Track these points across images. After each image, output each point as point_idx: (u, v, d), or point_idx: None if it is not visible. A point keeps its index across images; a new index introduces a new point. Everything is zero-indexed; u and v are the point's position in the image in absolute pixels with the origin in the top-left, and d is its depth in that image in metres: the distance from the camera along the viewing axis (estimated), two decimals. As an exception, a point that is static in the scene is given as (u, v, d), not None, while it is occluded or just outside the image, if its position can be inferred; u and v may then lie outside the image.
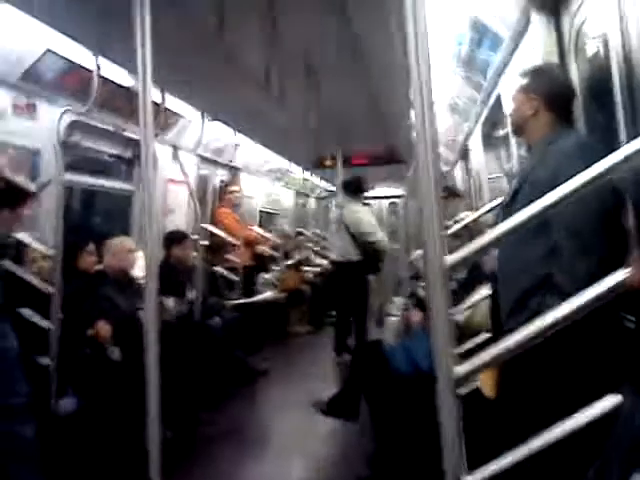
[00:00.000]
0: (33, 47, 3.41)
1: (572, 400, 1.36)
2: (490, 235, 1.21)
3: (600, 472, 0.98)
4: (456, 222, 3.47)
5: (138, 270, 4.02)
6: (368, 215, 5.70)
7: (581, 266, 1.78)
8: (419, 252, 4.62)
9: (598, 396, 1.19)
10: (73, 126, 4.02)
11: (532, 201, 1.27)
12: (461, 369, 1.11)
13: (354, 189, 5.85)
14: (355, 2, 3.12)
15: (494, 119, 4.40)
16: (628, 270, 1.01)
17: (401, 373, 2.96)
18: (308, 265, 8.51)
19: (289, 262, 7.77)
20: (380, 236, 5.51)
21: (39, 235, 3.64)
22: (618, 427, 0.98)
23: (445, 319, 1.09)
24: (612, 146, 1.98)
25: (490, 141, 4.97)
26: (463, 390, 1.13)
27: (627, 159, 1.14)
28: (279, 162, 8.20)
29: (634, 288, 0.92)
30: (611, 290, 1.08)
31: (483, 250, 1.25)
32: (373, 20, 3.36)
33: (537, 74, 2.22)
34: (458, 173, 7.31)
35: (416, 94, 1.21)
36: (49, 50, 3.46)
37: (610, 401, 1.10)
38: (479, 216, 2.88)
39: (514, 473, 1.14)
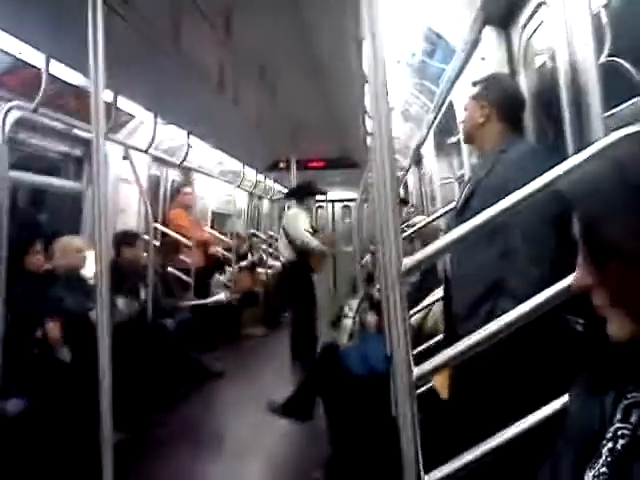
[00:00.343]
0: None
1: (522, 401, 1.40)
2: (446, 239, 1.24)
3: (552, 471, 1.01)
4: (408, 227, 3.53)
5: (88, 269, 3.94)
6: (304, 219, 5.87)
7: (534, 271, 1.81)
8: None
9: (548, 396, 1.23)
10: (19, 124, 3.92)
11: (484, 208, 1.30)
12: (419, 370, 1.14)
13: (301, 194, 6.00)
14: (310, 5, 3.14)
15: (446, 126, 4.49)
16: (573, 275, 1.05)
17: (356, 375, 2.98)
18: (261, 267, 8.50)
19: (242, 263, 7.72)
20: (308, 240, 5.69)
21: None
22: (567, 426, 1.02)
23: (403, 321, 1.11)
24: (559, 154, 2.05)
25: (442, 148, 5.06)
26: (419, 391, 1.15)
27: (575, 168, 1.19)
28: (233, 164, 8.16)
29: (577, 293, 0.96)
30: (560, 294, 1.12)
31: (439, 254, 1.28)
32: (328, 23, 3.39)
33: (488, 83, 2.25)
34: (411, 179, 7.42)
35: (373, 101, 1.23)
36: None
37: (559, 402, 1.14)
38: (432, 221, 2.93)
39: (470, 473, 1.16)
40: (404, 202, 6.68)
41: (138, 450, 3.58)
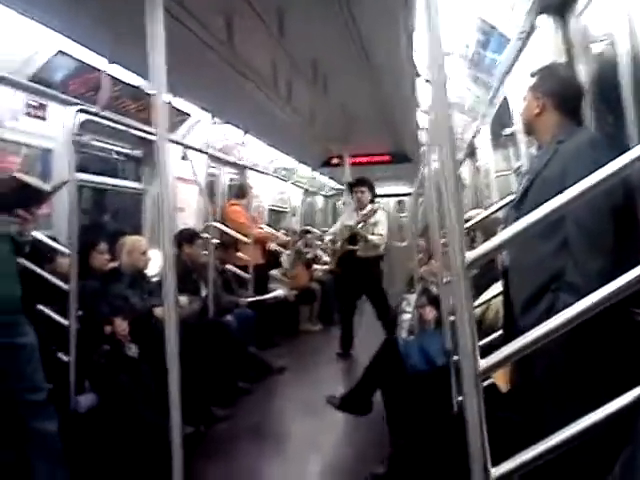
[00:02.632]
0: (44, 48, 3.45)
1: (585, 394, 1.39)
2: (508, 232, 1.23)
3: (628, 464, 1.00)
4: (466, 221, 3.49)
5: (151, 268, 4.06)
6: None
7: (593, 263, 1.81)
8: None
9: (612, 390, 1.21)
10: (84, 126, 4.07)
11: (543, 199, 1.29)
12: (485, 363, 1.14)
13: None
14: (361, 5, 3.15)
15: (502, 118, 4.42)
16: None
17: (416, 369, 2.98)
18: (317, 263, 8.52)
19: (297, 260, 7.77)
20: None
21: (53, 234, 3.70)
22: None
23: (468, 312, 1.12)
24: (620, 145, 2.00)
25: (498, 139, 4.99)
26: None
27: (638, 160, 1.16)
28: (287, 161, 8.24)
29: None
30: (626, 287, 1.11)
31: (502, 247, 1.28)
32: (379, 22, 3.40)
33: (544, 74, 2.25)
34: (465, 171, 7.34)
35: (434, 90, 1.25)
36: (60, 51, 3.50)
37: (632, 394, 1.13)
38: (491, 213, 2.89)
39: (540, 466, 1.16)
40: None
41: (201, 443, 3.68)
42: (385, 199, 10.98)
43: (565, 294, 1.83)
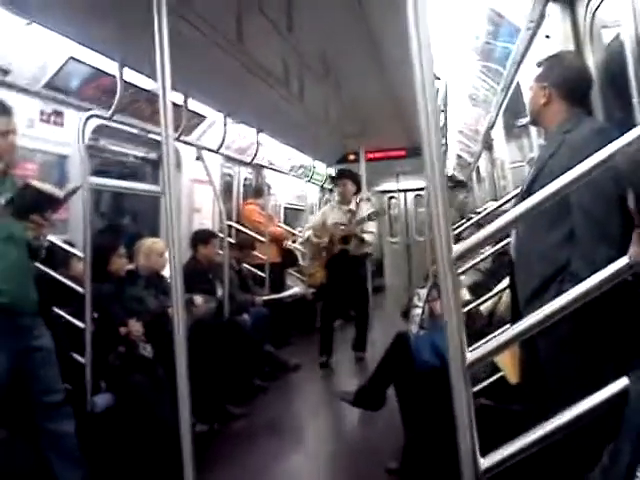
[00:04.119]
0: (56, 55, 3.50)
1: (591, 384, 1.37)
2: (497, 223, 1.22)
3: (614, 455, 0.99)
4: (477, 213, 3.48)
5: (168, 270, 4.10)
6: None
7: (599, 253, 1.77)
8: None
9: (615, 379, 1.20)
10: (98, 131, 4.11)
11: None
12: (473, 354, 1.14)
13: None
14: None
15: (515, 108, 4.38)
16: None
17: (427, 364, 2.97)
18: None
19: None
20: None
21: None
22: (630, 410, 0.99)
23: (455, 305, 1.12)
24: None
25: (512, 130, 4.94)
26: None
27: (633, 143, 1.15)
28: (302, 159, 8.24)
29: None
30: (619, 273, 1.10)
31: (490, 239, 1.27)
32: (390, 16, 3.37)
33: (550, 63, 2.21)
34: (482, 164, 7.28)
35: (418, 86, 1.25)
36: (72, 57, 3.54)
37: (618, 385, 1.12)
38: (499, 206, 2.87)
39: (529, 457, 1.15)
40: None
41: (217, 441, 3.72)
42: (404, 194, 10.96)
43: (570, 284, 1.80)
